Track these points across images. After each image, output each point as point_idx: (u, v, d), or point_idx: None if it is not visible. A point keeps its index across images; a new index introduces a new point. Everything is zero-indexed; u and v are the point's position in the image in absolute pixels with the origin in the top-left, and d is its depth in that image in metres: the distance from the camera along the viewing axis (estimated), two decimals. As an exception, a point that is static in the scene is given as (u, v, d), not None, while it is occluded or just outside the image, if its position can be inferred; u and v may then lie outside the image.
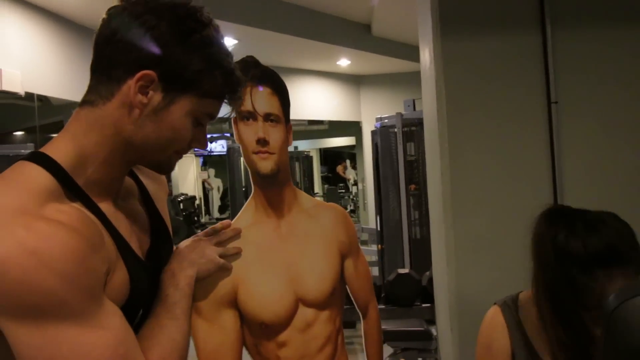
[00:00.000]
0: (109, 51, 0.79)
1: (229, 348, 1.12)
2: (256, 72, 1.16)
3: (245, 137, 1.15)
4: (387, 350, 3.00)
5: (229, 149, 6.78)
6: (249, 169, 1.19)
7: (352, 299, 1.35)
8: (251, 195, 1.23)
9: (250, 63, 1.18)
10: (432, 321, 2.93)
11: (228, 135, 8.65)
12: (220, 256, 1.09)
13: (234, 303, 1.13)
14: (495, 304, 1.28)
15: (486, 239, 1.66)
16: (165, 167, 0.89)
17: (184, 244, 1.07)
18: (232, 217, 6.56)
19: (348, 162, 12.49)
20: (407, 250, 4.31)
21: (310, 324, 1.19)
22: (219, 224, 1.17)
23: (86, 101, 0.81)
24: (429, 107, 1.87)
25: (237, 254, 1.14)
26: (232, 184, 6.76)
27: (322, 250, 1.23)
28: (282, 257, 1.18)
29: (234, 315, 1.14)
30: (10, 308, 0.67)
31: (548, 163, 1.64)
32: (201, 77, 0.81)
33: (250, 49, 4.80)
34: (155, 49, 0.78)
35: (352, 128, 7.99)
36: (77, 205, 0.76)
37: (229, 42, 4.68)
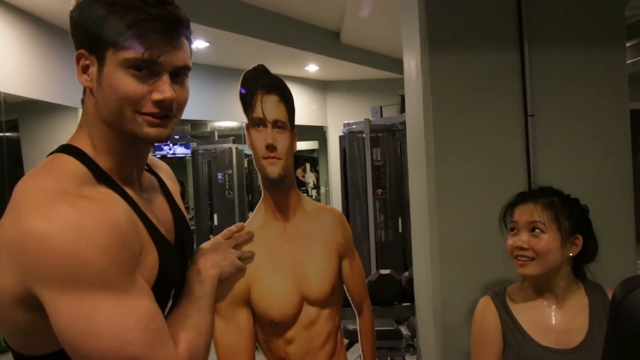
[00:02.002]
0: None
1: (244, 345, 1.19)
2: (266, 80, 1.24)
3: (256, 142, 1.23)
4: (358, 349, 3.08)
5: (193, 151, 6.72)
6: (259, 174, 1.26)
7: (349, 297, 1.44)
8: (261, 199, 1.31)
9: (260, 72, 1.25)
10: (400, 321, 3.05)
11: (189, 136, 8.55)
12: (238, 258, 1.16)
13: (247, 302, 1.20)
14: (487, 295, 1.41)
15: (468, 241, 1.78)
16: (138, 134, 0.83)
17: (206, 245, 1.13)
18: (195, 219, 6.36)
19: (308, 165, 12.55)
20: (373, 252, 4.43)
21: (313, 322, 1.27)
22: (234, 227, 1.24)
23: (82, 100, 0.88)
24: (413, 116, 1.98)
25: (252, 257, 1.21)
26: (196, 186, 6.70)
27: (324, 252, 1.31)
28: (289, 259, 1.26)
29: (247, 314, 1.21)
30: (53, 278, 0.71)
31: (524, 171, 1.78)
32: (106, 27, 0.79)
33: (221, 52, 4.87)
34: (77, 29, 0.83)
35: (315, 132, 8.07)
36: (108, 189, 0.83)
37: (201, 44, 4.68)
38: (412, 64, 1.94)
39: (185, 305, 0.94)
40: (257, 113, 1.21)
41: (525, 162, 1.77)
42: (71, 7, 0.83)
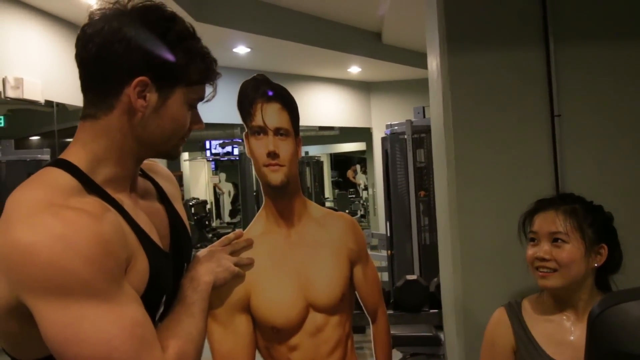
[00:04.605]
0: (99, 69, 0.85)
1: (243, 351, 1.19)
2: (266, 88, 1.22)
3: (256, 150, 1.21)
4: (396, 355, 3.04)
5: (240, 154, 6.88)
6: (260, 181, 1.25)
7: (362, 304, 1.40)
8: (262, 205, 1.29)
9: (260, 81, 1.24)
10: (440, 327, 2.98)
11: (239, 140, 8.76)
12: (235, 265, 1.16)
13: (247, 308, 1.20)
14: (502, 306, 1.36)
15: (491, 247, 1.71)
16: (173, 154, 0.96)
17: (201, 253, 1.15)
18: (243, 221, 6.57)
19: (358, 167, 12.50)
20: (416, 255, 4.34)
21: (320, 329, 1.24)
22: (232, 234, 1.24)
23: (87, 115, 0.87)
24: (436, 118, 1.93)
25: (250, 264, 1.20)
26: (244, 188, 6.85)
27: (332, 258, 1.28)
28: (293, 265, 1.24)
29: (247, 320, 1.20)
30: (39, 288, 0.73)
31: (551, 174, 1.69)
32: (187, 69, 0.88)
33: (263, 58, 4.93)
34: (141, 57, 0.84)
35: (362, 134, 8.04)
36: (97, 199, 0.84)
37: (242, 50, 4.77)
38: (433, 65, 1.89)
39: (178, 311, 0.96)
40: (257, 121, 1.20)
41: (552, 165, 1.69)
42: (129, 31, 0.84)
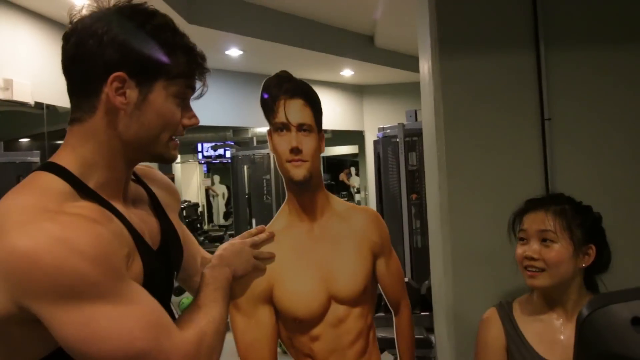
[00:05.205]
0: (77, 68, 0.85)
1: (265, 341, 1.22)
2: (289, 85, 1.23)
3: (279, 147, 1.22)
4: (387, 358, 3.04)
5: (232, 157, 6.86)
6: (282, 177, 1.26)
7: (384, 296, 1.43)
8: (285, 200, 1.32)
9: (283, 78, 1.25)
10: (432, 329, 2.98)
11: (231, 143, 8.74)
12: (255, 258, 1.19)
13: (269, 300, 1.23)
14: (493, 306, 1.37)
15: (482, 250, 1.72)
16: (166, 156, 0.92)
17: (223, 246, 1.17)
18: (235, 224, 6.47)
19: (353, 169, 12.50)
20: (408, 258, 4.35)
21: (342, 320, 1.26)
22: (254, 229, 1.26)
23: (74, 119, 0.87)
24: (427, 121, 1.94)
25: (271, 257, 1.23)
26: (235, 191, 6.82)
27: (354, 250, 1.30)
28: (315, 258, 1.26)
29: (269, 311, 1.23)
30: (47, 293, 0.73)
31: (542, 177, 1.70)
32: (165, 62, 0.86)
33: (255, 60, 4.93)
34: (115, 51, 0.83)
35: (355, 137, 8.06)
36: (91, 203, 0.84)
37: (235, 52, 4.76)
38: (425, 68, 1.90)
39: (201, 296, 0.99)
40: (280, 118, 1.21)
41: (542, 168, 1.70)
42: (101, 26, 0.83)
